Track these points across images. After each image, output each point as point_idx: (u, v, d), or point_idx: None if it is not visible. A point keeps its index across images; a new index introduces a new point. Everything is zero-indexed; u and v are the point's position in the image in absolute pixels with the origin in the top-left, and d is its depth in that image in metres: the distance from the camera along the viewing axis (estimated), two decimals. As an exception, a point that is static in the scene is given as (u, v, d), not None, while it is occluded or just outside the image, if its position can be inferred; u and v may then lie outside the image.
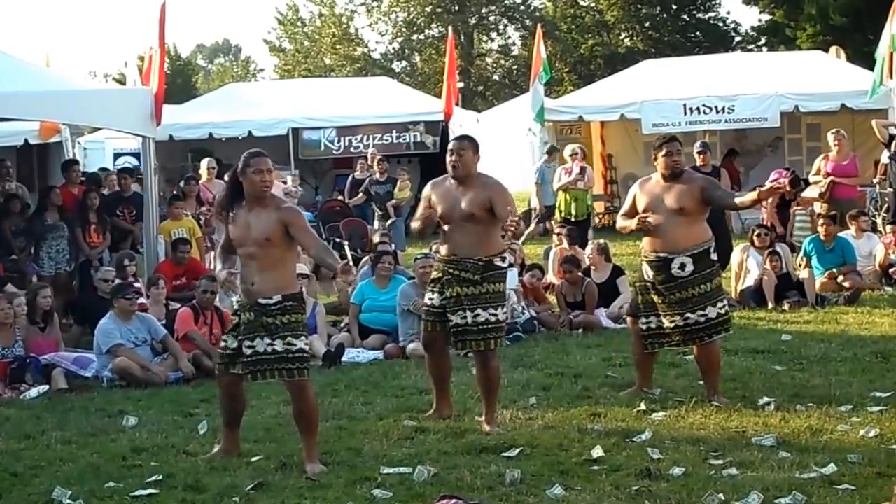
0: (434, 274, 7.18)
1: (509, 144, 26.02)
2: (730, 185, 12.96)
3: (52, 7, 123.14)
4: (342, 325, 10.73)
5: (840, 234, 12.48)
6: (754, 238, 11.89)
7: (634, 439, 6.45)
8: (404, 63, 47.71)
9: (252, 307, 6.14)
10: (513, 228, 6.65)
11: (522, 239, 16.26)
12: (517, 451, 6.27)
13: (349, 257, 14.54)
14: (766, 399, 7.29)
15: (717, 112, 18.10)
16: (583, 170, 15.43)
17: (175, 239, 12.29)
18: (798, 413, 6.94)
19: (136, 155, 16.19)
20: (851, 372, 8.16)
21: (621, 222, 7.74)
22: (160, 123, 12.24)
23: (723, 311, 7.42)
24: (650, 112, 18.18)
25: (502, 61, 48.62)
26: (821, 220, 12.56)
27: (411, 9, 45.35)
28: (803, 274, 11.80)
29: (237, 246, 6.29)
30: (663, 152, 7.42)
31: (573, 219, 15.07)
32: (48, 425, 7.44)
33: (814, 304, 11.23)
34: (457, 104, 21.58)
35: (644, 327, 7.54)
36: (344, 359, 9.53)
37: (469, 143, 7.02)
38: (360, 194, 17.43)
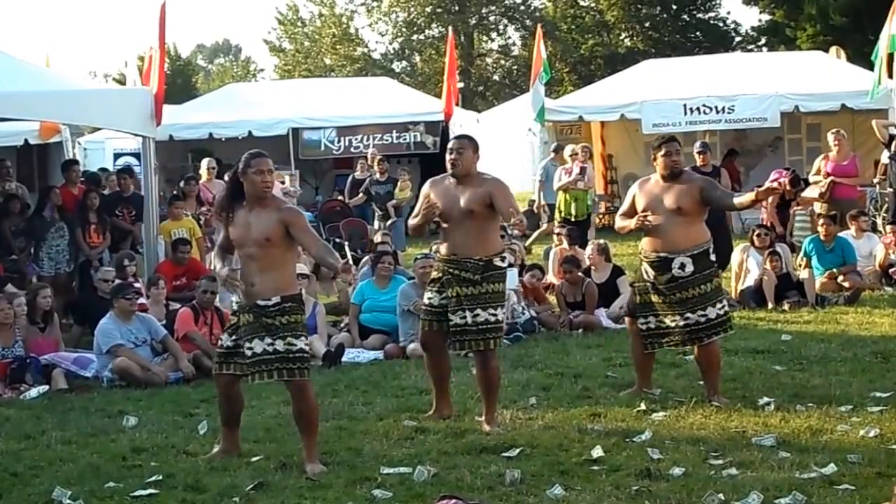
0: (434, 274, 7.18)
1: (509, 144, 26.05)
2: (730, 185, 12.96)
3: (52, 7, 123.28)
4: (342, 325, 10.74)
5: (840, 234, 12.48)
6: (754, 238, 11.89)
7: (634, 439, 6.45)
8: (404, 63, 47.71)
9: (251, 308, 6.14)
10: (518, 227, 6.66)
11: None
12: (517, 451, 6.27)
13: (349, 257, 14.56)
14: (766, 399, 7.29)
15: (717, 112, 18.10)
16: (583, 170, 15.42)
17: (175, 239, 12.30)
18: (798, 413, 6.94)
19: (137, 155, 16.19)
20: (851, 372, 8.16)
21: (620, 222, 7.74)
22: (160, 123, 12.25)
23: (722, 312, 7.42)
24: (650, 112, 18.18)
25: (502, 61, 48.61)
26: (821, 220, 12.57)
27: (411, 9, 45.34)
28: (803, 274, 11.81)
29: (237, 246, 6.29)
30: (662, 152, 7.43)
31: (573, 219, 15.07)
32: (48, 425, 7.44)
33: (814, 304, 11.23)
34: (457, 104, 21.58)
35: (643, 327, 7.54)
36: (344, 359, 9.53)
37: (469, 142, 7.03)
38: (361, 194, 17.44)
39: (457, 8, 45.20)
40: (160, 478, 6.00)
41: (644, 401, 7.32)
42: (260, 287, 6.11)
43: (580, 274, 11.13)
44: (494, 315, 6.90)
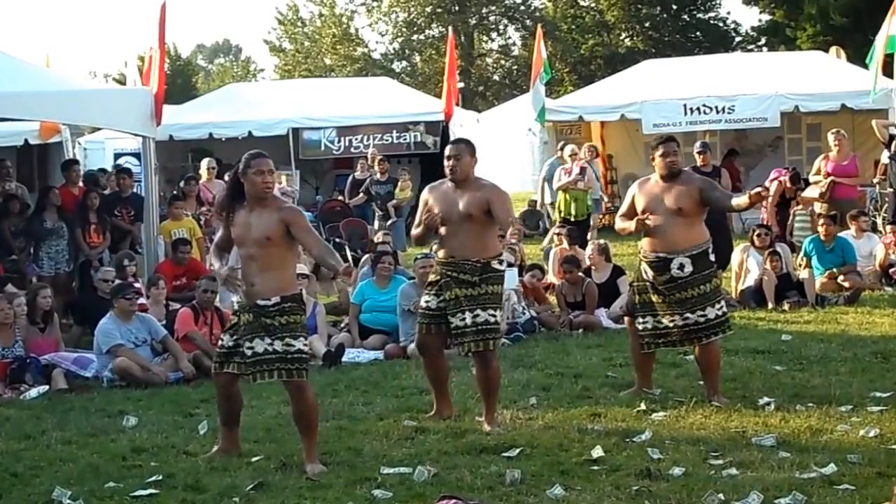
0: (431, 277, 7.19)
1: (509, 144, 26.03)
2: (730, 185, 12.96)
3: (52, 7, 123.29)
4: (342, 325, 10.74)
5: (840, 234, 12.48)
6: (754, 238, 11.89)
7: (634, 439, 6.45)
8: (404, 63, 47.72)
9: (251, 308, 6.14)
10: (515, 235, 6.67)
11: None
12: (517, 451, 6.27)
13: (349, 257, 14.56)
14: (766, 399, 7.29)
15: (718, 112, 18.10)
16: (583, 170, 15.41)
17: (175, 239, 12.30)
18: (798, 413, 6.94)
19: (137, 155, 16.18)
20: (851, 372, 8.16)
21: (620, 223, 7.74)
22: (160, 123, 12.25)
23: (721, 313, 7.42)
24: (650, 112, 18.18)
25: (502, 61, 48.63)
26: (821, 220, 12.57)
27: (411, 9, 45.36)
28: (803, 274, 11.81)
29: (238, 246, 6.29)
30: (660, 153, 7.45)
31: (573, 219, 15.06)
32: (48, 425, 7.44)
33: (814, 304, 11.23)
34: (457, 104, 21.57)
35: (641, 327, 7.54)
36: (344, 359, 9.53)
37: (466, 147, 7.04)
38: (361, 194, 17.44)
39: (457, 8, 45.22)
40: (160, 478, 6.00)
41: (644, 401, 7.32)
42: (260, 287, 6.11)
43: (580, 274, 11.13)
44: (494, 316, 6.90)
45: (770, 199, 13.03)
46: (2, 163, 13.56)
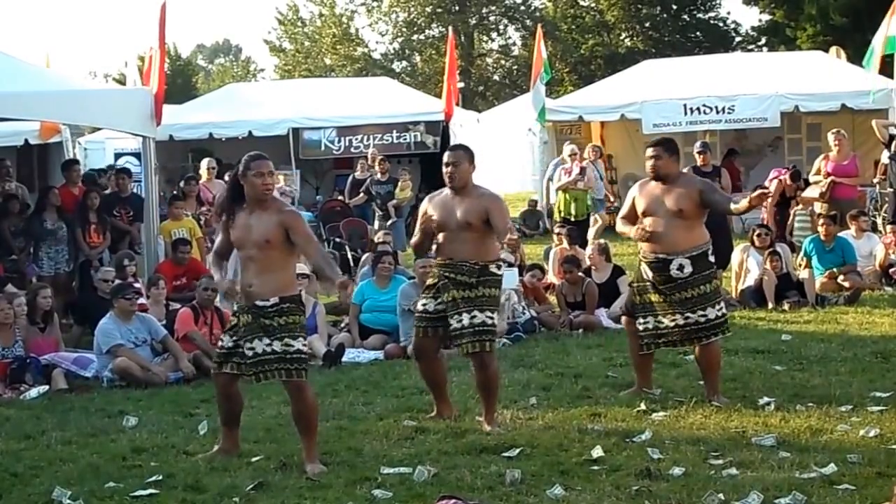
0: (429, 280, 7.19)
1: (509, 144, 26.04)
2: (730, 185, 12.98)
3: (52, 7, 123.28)
4: (342, 325, 10.74)
5: (840, 234, 12.49)
6: (754, 238, 11.89)
7: (634, 439, 6.45)
8: (404, 63, 47.70)
9: (250, 309, 6.14)
10: (511, 244, 6.69)
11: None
12: (517, 451, 6.27)
13: (349, 257, 14.57)
14: (766, 399, 7.29)
15: (718, 112, 18.11)
16: (582, 170, 15.42)
17: (175, 239, 12.30)
18: (798, 413, 6.94)
19: (137, 155, 16.17)
20: (851, 372, 8.16)
21: (621, 227, 7.75)
22: (160, 123, 12.26)
23: (721, 313, 7.43)
24: (650, 112, 18.19)
25: (502, 61, 48.61)
26: (821, 220, 12.57)
27: (411, 9, 45.35)
28: (803, 274, 11.81)
29: (237, 248, 6.29)
30: (647, 155, 7.49)
31: (573, 219, 15.06)
32: (48, 425, 7.44)
33: (814, 304, 11.23)
34: (457, 104, 21.57)
35: (641, 327, 7.54)
36: (344, 359, 9.53)
37: (464, 153, 7.04)
38: (361, 194, 17.43)
39: (457, 8, 45.20)
40: (160, 478, 6.00)
41: (644, 401, 7.32)
42: (259, 288, 6.11)
43: (580, 274, 11.13)
44: (491, 318, 6.90)
45: (770, 199, 13.02)
46: (2, 163, 13.56)
